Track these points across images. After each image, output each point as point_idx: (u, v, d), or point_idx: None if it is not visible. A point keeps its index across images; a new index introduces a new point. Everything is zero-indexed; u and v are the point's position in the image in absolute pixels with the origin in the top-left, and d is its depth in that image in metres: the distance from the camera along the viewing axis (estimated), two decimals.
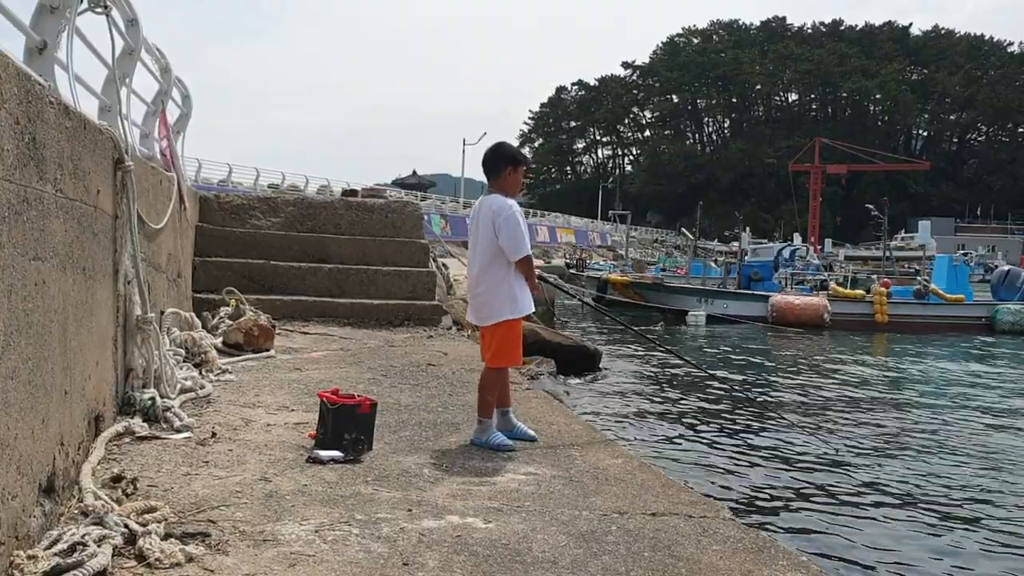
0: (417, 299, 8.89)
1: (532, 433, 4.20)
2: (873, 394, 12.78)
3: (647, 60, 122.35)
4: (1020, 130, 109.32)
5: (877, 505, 6.91)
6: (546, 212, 70.09)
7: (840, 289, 25.65)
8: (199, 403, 4.54)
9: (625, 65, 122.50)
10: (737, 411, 10.75)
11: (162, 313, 5.20)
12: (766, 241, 49.72)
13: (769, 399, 11.93)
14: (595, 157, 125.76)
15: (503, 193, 4.17)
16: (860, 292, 24.92)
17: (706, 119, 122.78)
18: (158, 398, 4.05)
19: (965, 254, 41.45)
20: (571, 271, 34.72)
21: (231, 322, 6.53)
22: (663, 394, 11.85)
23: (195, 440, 3.77)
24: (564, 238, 60.70)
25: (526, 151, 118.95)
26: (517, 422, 4.22)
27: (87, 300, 3.23)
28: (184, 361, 5.16)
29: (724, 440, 9.08)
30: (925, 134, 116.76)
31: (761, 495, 7.12)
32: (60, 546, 2.29)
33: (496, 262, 4.10)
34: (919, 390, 13.35)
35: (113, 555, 2.37)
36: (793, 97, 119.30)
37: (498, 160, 4.20)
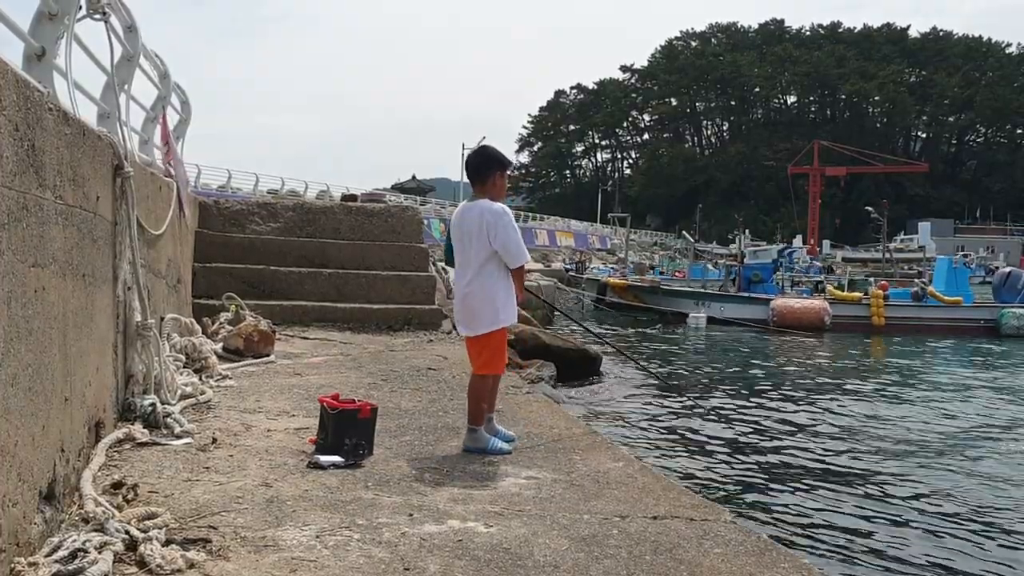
0: (417, 303, 8.88)
1: (511, 434, 4.15)
2: (874, 397, 12.77)
3: (645, 63, 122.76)
4: (1019, 131, 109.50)
5: (879, 508, 6.90)
6: (545, 216, 70.12)
7: (836, 291, 25.62)
8: (199, 409, 4.53)
9: (623, 68, 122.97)
10: (738, 414, 10.74)
11: (162, 319, 5.20)
12: (764, 243, 49.88)
13: (768, 402, 11.92)
14: (594, 160, 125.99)
15: (490, 198, 4.03)
16: (857, 294, 24.86)
17: (705, 122, 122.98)
18: (158, 404, 4.05)
19: (965, 255, 41.53)
20: (571, 274, 34.81)
21: (231, 327, 6.52)
22: (664, 397, 11.84)
23: (196, 446, 3.76)
24: (564, 241, 60.79)
25: (525, 155, 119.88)
26: (499, 427, 4.16)
27: (87, 306, 3.22)
28: (184, 367, 5.16)
29: (725, 443, 9.07)
30: (924, 136, 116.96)
31: (763, 498, 7.11)
32: (61, 553, 2.29)
33: (488, 268, 3.96)
34: (922, 394, 13.33)
35: (114, 562, 2.37)
36: (792, 99, 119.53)
37: (486, 164, 4.06)
